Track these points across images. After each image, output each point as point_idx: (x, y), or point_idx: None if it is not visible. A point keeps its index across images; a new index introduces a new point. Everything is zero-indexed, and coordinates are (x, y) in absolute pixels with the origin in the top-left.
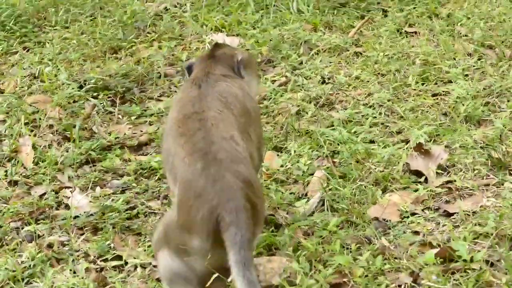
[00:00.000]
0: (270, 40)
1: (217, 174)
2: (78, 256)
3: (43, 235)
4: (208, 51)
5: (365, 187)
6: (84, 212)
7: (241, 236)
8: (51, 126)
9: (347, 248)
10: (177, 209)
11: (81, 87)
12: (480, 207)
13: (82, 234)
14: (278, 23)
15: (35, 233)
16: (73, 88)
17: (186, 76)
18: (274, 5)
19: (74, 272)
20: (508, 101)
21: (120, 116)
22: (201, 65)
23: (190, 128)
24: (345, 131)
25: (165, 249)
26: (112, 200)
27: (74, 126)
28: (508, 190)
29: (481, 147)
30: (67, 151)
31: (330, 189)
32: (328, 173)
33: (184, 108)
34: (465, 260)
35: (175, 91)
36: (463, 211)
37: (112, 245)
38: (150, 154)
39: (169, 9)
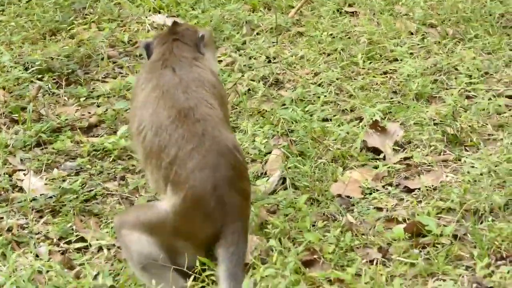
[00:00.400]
0: (211, 20)
1: (226, 194)
2: (38, 239)
3: (1, 218)
4: (168, 29)
5: (324, 164)
6: (41, 195)
7: (238, 257)
8: None
9: (313, 225)
10: (177, 217)
11: (26, 69)
12: (441, 182)
13: (41, 217)
14: (217, 4)
15: None
16: (19, 70)
17: (144, 55)
18: None
19: (37, 256)
20: (455, 78)
21: (66, 98)
22: (164, 44)
23: (194, 133)
24: (299, 110)
25: (143, 234)
26: (68, 182)
27: (22, 109)
28: (468, 165)
29: (435, 124)
30: (17, 134)
31: (289, 168)
32: (286, 151)
33: (173, 100)
34: (434, 235)
35: (120, 73)
36: (425, 186)
37: (74, 227)
38: (101, 136)
39: None
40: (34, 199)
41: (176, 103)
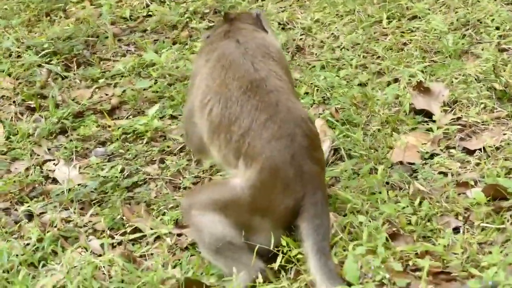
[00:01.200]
0: None
1: (303, 162)
2: (86, 232)
3: (42, 213)
4: (223, 17)
5: (373, 131)
6: (79, 185)
7: (325, 228)
8: (7, 98)
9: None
10: (254, 191)
11: (36, 53)
12: (502, 141)
13: (82, 209)
14: None
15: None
16: (29, 55)
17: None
18: None
19: (87, 250)
20: (481, 32)
21: (78, 81)
22: (222, 26)
23: (268, 103)
24: (335, 76)
25: (216, 215)
26: (105, 170)
27: (35, 95)
28: None
29: (478, 81)
30: (35, 122)
31: (338, 137)
32: (330, 120)
33: (242, 70)
34: None
35: (128, 50)
36: (489, 146)
37: (124, 217)
38: (127, 118)
39: None
40: (71, 190)
41: (247, 74)
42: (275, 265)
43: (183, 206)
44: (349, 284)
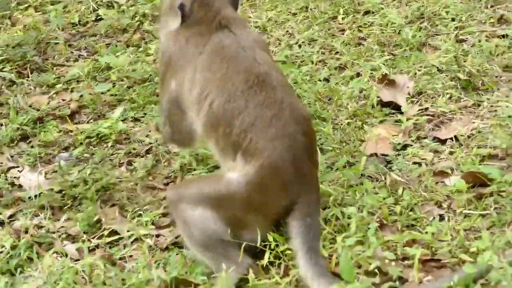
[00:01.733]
0: None
1: (303, 163)
2: (60, 237)
3: (13, 220)
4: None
5: (342, 125)
6: (48, 190)
7: (315, 227)
8: None
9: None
10: (251, 187)
11: None
12: (472, 129)
13: (52, 214)
14: None
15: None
16: None
17: (179, 15)
18: None
19: (66, 255)
20: (437, 25)
21: (32, 87)
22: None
23: (274, 99)
24: (298, 72)
25: (207, 209)
26: (74, 174)
27: None
28: (493, 109)
29: (440, 71)
30: None
31: None
32: None
33: (245, 63)
34: (498, 183)
35: (80, 55)
36: (461, 135)
37: (99, 220)
38: (88, 122)
39: None
40: (38, 196)
41: (251, 67)
42: (264, 261)
43: (170, 199)
44: (341, 278)
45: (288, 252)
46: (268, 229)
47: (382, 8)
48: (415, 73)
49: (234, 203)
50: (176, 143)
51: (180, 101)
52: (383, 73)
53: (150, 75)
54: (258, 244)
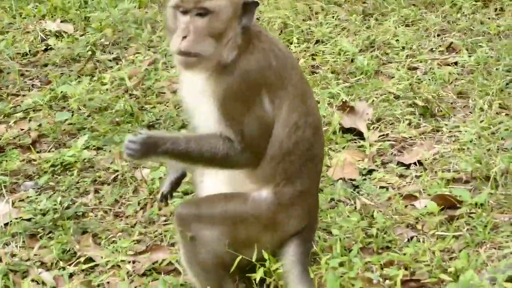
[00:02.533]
0: (112, 23)
1: (318, 191)
2: (34, 264)
3: None
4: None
5: None
6: (17, 219)
7: (308, 253)
8: None
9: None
10: (278, 209)
11: None
12: (434, 154)
13: (24, 242)
14: (107, 3)
15: None
16: None
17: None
18: None
19: (43, 283)
20: (387, 53)
21: None
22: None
23: (322, 142)
24: None
25: (224, 229)
26: (42, 202)
27: None
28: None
29: (397, 98)
30: None
31: None
32: None
33: (314, 107)
34: (469, 205)
35: (33, 85)
36: (425, 159)
37: (71, 248)
38: (49, 151)
39: None
40: (8, 224)
41: (316, 111)
42: (257, 276)
43: (181, 216)
44: None
45: (278, 271)
46: (276, 249)
47: (332, 37)
48: (373, 100)
49: (257, 222)
50: (251, 150)
51: (270, 122)
52: (343, 100)
53: (108, 104)
54: (253, 260)
